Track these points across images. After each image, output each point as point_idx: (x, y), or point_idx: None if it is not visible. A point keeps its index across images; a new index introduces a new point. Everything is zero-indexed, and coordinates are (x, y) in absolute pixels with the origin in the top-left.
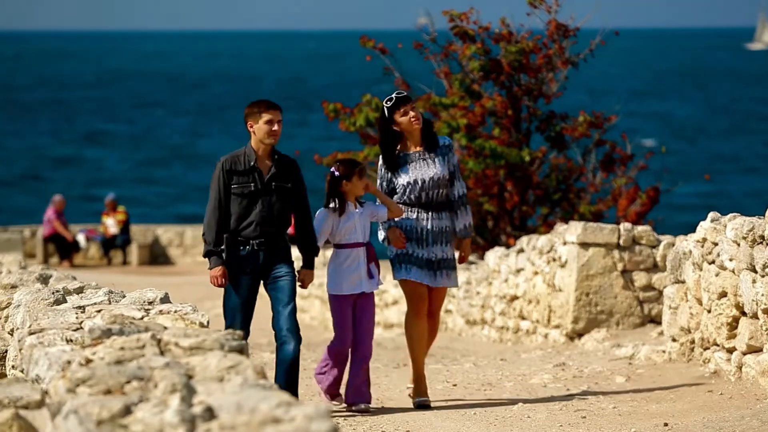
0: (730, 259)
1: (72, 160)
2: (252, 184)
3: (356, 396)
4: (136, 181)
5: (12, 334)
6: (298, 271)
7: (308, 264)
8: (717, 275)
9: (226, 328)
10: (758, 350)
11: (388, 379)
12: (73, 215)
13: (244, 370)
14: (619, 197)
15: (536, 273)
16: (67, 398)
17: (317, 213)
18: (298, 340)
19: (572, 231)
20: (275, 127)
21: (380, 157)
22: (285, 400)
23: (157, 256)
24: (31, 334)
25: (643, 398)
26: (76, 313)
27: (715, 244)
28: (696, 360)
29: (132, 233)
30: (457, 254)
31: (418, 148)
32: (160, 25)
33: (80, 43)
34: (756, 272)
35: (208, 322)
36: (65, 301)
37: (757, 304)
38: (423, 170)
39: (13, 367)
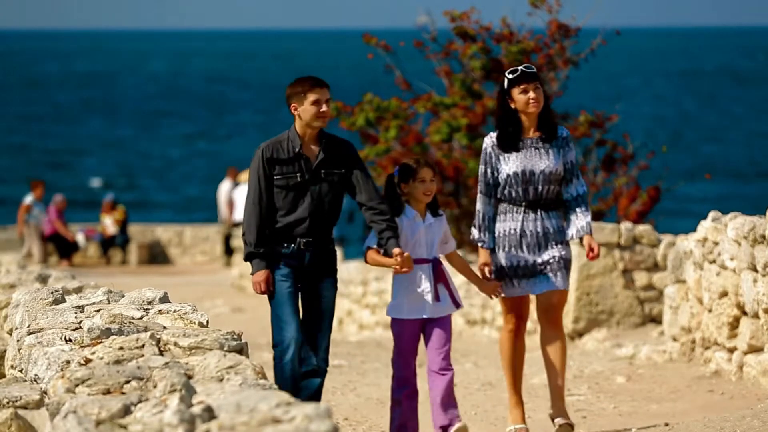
0: (731, 259)
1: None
2: (298, 174)
3: (444, 417)
4: None
5: (11, 334)
6: (385, 250)
7: (396, 239)
8: (718, 275)
9: (275, 333)
10: (759, 350)
11: (388, 380)
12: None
13: (243, 370)
14: (619, 197)
15: None
16: (66, 398)
17: None
18: (326, 370)
19: None
20: (324, 108)
21: (486, 138)
22: (284, 400)
23: (156, 256)
24: (30, 333)
25: (644, 398)
26: (75, 313)
27: (716, 244)
28: (697, 360)
29: (131, 232)
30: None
31: (532, 135)
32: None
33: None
34: (757, 272)
35: (207, 322)
36: (64, 301)
37: (758, 303)
38: (533, 161)
39: (12, 366)
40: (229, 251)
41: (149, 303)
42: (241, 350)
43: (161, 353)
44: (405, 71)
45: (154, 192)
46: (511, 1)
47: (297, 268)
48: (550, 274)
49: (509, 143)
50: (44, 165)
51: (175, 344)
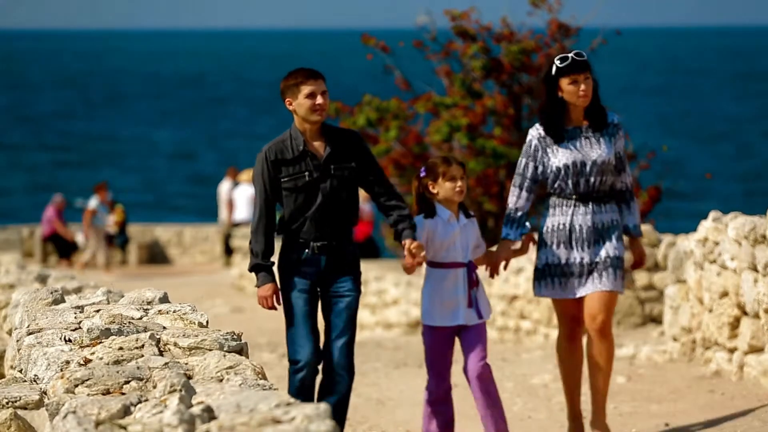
0: (732, 259)
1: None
2: (306, 173)
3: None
4: None
5: (10, 334)
6: (403, 243)
7: (412, 230)
8: (718, 275)
9: (290, 353)
10: (760, 350)
11: (388, 379)
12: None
13: (243, 370)
14: None
15: None
16: (66, 398)
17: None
18: (351, 378)
19: None
20: (319, 100)
21: (532, 129)
22: (284, 401)
23: (155, 256)
24: (29, 334)
25: (644, 398)
26: (75, 313)
27: (717, 244)
28: (697, 360)
29: (131, 233)
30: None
31: (580, 124)
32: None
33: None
34: (757, 272)
35: (207, 322)
36: (64, 301)
37: (758, 303)
38: (585, 151)
39: (11, 367)
40: (228, 251)
41: (149, 303)
42: (241, 350)
43: (161, 353)
44: (405, 71)
45: (153, 192)
46: (512, 1)
47: (314, 276)
48: (596, 274)
49: (557, 133)
50: (44, 165)
51: (175, 344)
